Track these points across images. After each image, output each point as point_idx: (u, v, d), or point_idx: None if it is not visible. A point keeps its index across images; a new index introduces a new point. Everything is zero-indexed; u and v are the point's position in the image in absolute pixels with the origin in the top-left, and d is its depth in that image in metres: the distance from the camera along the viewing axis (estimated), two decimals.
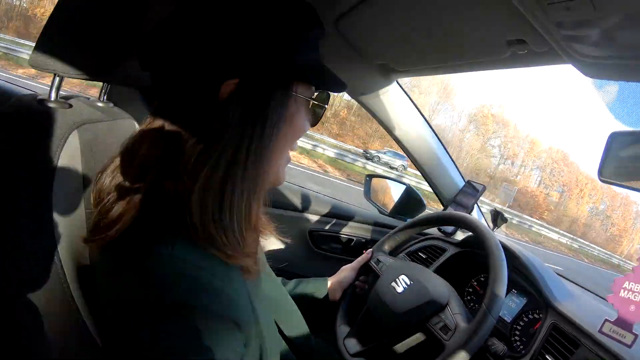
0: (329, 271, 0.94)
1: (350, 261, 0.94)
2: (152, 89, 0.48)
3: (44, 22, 0.52)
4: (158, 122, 0.46)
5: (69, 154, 0.50)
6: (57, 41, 0.53)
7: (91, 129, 0.56)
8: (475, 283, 0.96)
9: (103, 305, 0.44)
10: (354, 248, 1.32)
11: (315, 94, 0.51)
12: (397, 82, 1.10)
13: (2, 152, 0.47)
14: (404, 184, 1.37)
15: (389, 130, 1.19)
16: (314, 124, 0.53)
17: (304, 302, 0.80)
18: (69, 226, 0.49)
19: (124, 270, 0.41)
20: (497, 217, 1.20)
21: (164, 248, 0.40)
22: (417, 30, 0.74)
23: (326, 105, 0.53)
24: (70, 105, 0.55)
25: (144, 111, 0.86)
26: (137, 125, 0.72)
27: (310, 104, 0.50)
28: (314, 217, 1.30)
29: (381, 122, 1.18)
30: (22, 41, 14.09)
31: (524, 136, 36.43)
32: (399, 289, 0.74)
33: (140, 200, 0.43)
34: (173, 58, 0.44)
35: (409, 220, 0.96)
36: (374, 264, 0.88)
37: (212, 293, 0.42)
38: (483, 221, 1.20)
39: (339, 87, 0.51)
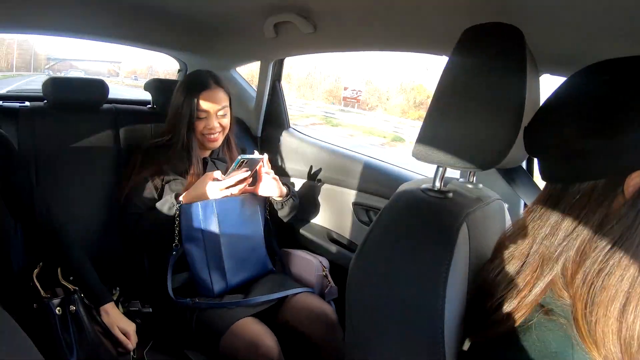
0: None
1: None
2: (542, 174, 0.47)
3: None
4: (551, 216, 0.44)
5: (460, 246, 0.49)
6: (439, 135, 0.54)
7: (473, 216, 0.55)
8: None
9: None
10: None
11: None
12: None
13: (403, 245, 0.50)
14: None
15: None
16: None
17: None
18: (453, 310, 0.49)
19: None
20: None
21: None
22: None
23: None
24: (451, 193, 0.56)
25: (506, 189, 0.88)
26: (505, 206, 0.71)
27: None
28: None
29: None
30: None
31: None
32: None
33: (532, 300, 0.42)
34: (567, 146, 0.42)
35: None
36: None
37: None
38: None
39: None
